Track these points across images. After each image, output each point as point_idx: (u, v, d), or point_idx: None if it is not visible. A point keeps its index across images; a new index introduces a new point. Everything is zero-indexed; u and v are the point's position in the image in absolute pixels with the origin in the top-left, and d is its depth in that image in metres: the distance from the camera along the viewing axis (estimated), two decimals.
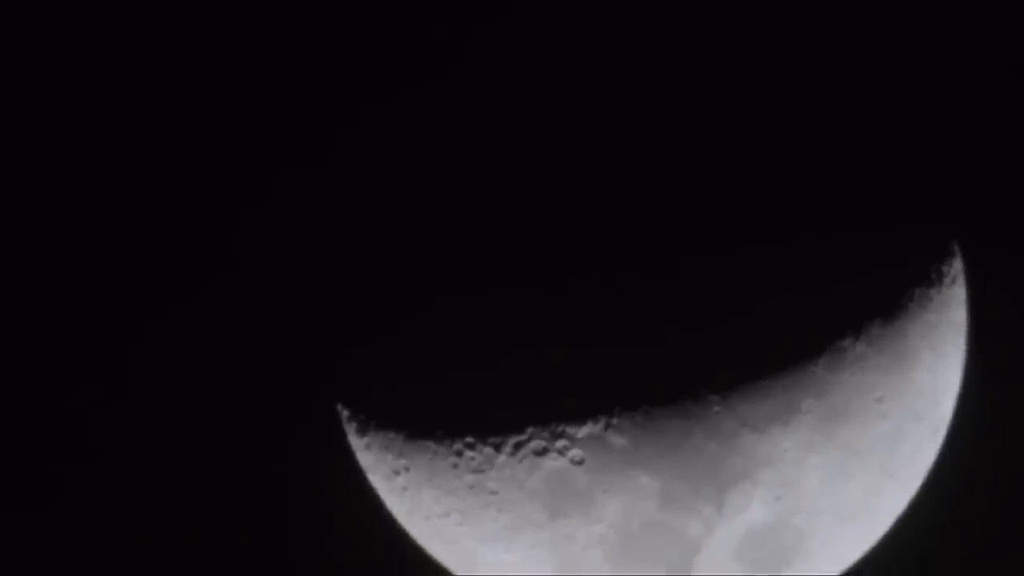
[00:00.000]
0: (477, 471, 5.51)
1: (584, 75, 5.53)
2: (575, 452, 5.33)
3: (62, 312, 7.51)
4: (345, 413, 6.13)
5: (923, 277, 5.66)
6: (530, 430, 5.35)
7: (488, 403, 5.38)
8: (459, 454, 5.51)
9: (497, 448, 5.42)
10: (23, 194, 7.42)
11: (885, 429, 5.57)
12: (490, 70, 5.74)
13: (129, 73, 7.34)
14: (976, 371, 6.15)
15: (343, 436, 6.20)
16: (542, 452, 5.36)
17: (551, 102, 5.50)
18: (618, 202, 5.24)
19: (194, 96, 7.38)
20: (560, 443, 5.32)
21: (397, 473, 5.81)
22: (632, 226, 5.20)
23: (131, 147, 7.41)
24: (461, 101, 5.73)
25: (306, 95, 7.32)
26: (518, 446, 5.38)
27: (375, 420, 5.85)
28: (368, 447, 5.96)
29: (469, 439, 5.47)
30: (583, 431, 5.29)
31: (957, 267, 5.93)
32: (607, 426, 5.26)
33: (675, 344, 5.17)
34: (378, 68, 7.00)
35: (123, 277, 7.51)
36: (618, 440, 5.27)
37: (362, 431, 5.97)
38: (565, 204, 5.28)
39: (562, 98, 5.49)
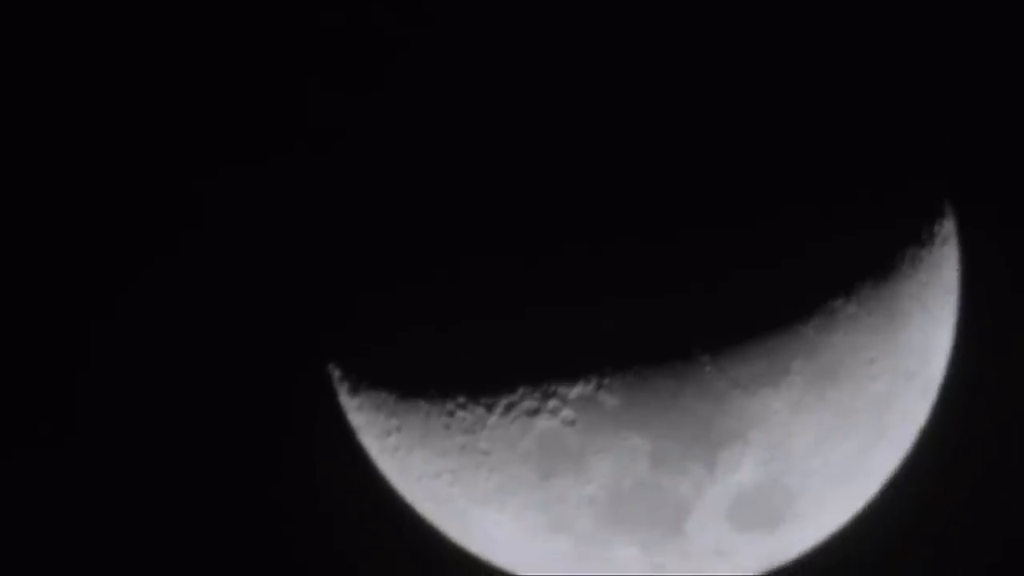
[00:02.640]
0: (469, 432, 5.51)
1: (571, 48, 5.50)
2: (567, 413, 5.33)
3: (45, 277, 7.51)
4: (337, 373, 6.13)
5: (914, 237, 5.65)
6: (522, 390, 5.35)
7: (480, 363, 5.38)
8: (451, 414, 5.52)
9: (489, 408, 5.43)
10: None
11: (876, 389, 5.58)
12: (475, 42, 5.71)
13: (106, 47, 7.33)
14: (967, 331, 6.16)
15: (334, 396, 6.20)
16: (534, 413, 5.36)
17: (540, 74, 5.48)
18: (610, 164, 5.23)
19: (181, 64, 7.36)
20: (552, 403, 5.33)
21: (389, 433, 5.82)
22: (623, 188, 5.19)
23: (117, 109, 7.39)
24: (451, 70, 5.70)
25: (294, 62, 7.30)
26: (510, 407, 5.39)
27: (367, 380, 5.85)
28: (360, 407, 5.96)
29: (461, 399, 5.47)
30: (574, 391, 5.29)
31: (948, 227, 5.92)
32: (598, 386, 5.26)
33: (666, 304, 5.16)
34: (365, 38, 6.97)
35: (114, 238, 7.50)
36: (609, 400, 5.27)
37: (354, 391, 5.97)
38: (557, 167, 5.27)
39: (552, 70, 5.47)
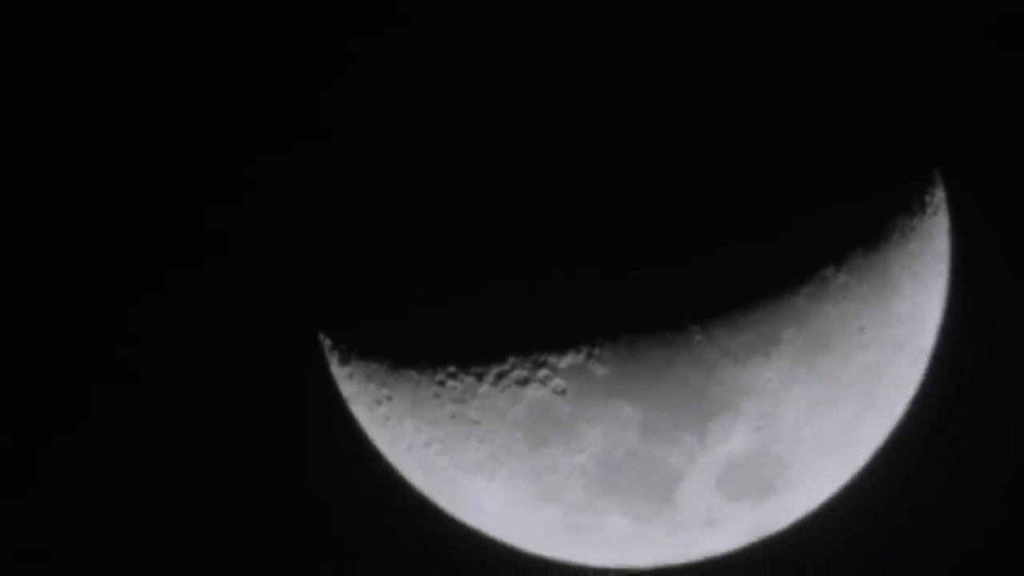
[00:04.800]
0: (459, 401, 5.51)
1: (561, 24, 5.48)
2: (557, 382, 5.33)
3: (44, 258, 7.51)
4: (327, 343, 6.13)
5: (905, 207, 5.65)
6: (512, 360, 5.35)
7: (470, 333, 5.38)
8: (441, 384, 5.51)
9: (479, 378, 5.42)
10: None
11: (867, 359, 5.58)
12: (468, 17, 5.69)
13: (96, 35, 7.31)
14: (958, 300, 6.16)
15: (326, 366, 6.20)
16: (524, 382, 5.36)
17: (539, 44, 5.46)
18: (599, 137, 5.21)
19: (172, 41, 7.34)
20: (542, 373, 5.32)
21: (379, 403, 5.82)
22: (614, 161, 5.18)
23: (112, 97, 7.38)
24: (449, 39, 5.68)
25: (290, 31, 7.28)
26: (500, 376, 5.38)
27: (357, 350, 5.85)
28: (350, 377, 5.96)
29: (451, 369, 5.47)
30: (565, 361, 5.29)
31: (939, 196, 5.92)
32: (589, 356, 5.26)
33: (657, 274, 5.16)
34: (364, 3, 6.95)
35: (109, 217, 7.50)
36: (600, 370, 5.27)
37: (344, 361, 5.97)
38: (547, 140, 5.25)
39: (553, 39, 5.45)
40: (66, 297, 7.54)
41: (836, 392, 5.55)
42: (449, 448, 5.68)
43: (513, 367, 5.36)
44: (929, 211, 5.78)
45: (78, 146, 7.43)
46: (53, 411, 7.59)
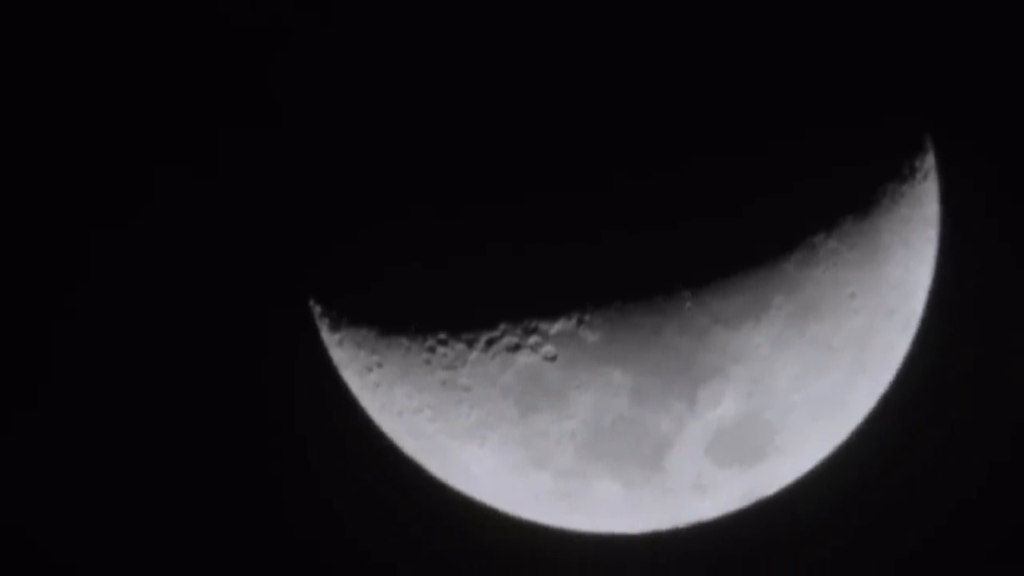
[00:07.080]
0: (450, 367, 5.51)
1: None
2: (548, 348, 5.33)
3: (37, 246, 7.50)
4: (318, 309, 6.12)
5: (895, 172, 5.64)
6: (503, 326, 5.35)
7: (461, 299, 5.38)
8: (432, 350, 5.51)
9: (470, 344, 5.42)
10: None
11: (857, 325, 5.58)
12: None
13: None
14: (948, 266, 6.16)
15: (316, 332, 6.20)
16: (515, 348, 5.36)
17: (530, 16, 5.44)
18: (590, 101, 5.20)
19: (161, 13, 7.32)
20: (533, 339, 5.33)
21: (370, 369, 5.82)
22: (604, 125, 5.17)
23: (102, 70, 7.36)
24: (441, 9, 5.66)
25: None
26: (491, 342, 5.39)
27: (348, 316, 5.85)
28: (341, 343, 5.96)
29: (442, 335, 5.47)
30: (556, 327, 5.29)
31: (929, 162, 5.91)
32: (580, 322, 5.26)
33: (647, 240, 5.15)
34: None
35: (94, 184, 7.48)
36: (591, 336, 5.27)
37: (335, 327, 5.96)
38: (541, 104, 5.24)
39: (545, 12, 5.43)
40: (52, 267, 7.53)
41: (826, 358, 5.56)
42: (440, 414, 5.69)
43: (504, 333, 5.36)
44: (919, 176, 5.78)
45: (73, 125, 7.42)
46: (40, 385, 7.59)
